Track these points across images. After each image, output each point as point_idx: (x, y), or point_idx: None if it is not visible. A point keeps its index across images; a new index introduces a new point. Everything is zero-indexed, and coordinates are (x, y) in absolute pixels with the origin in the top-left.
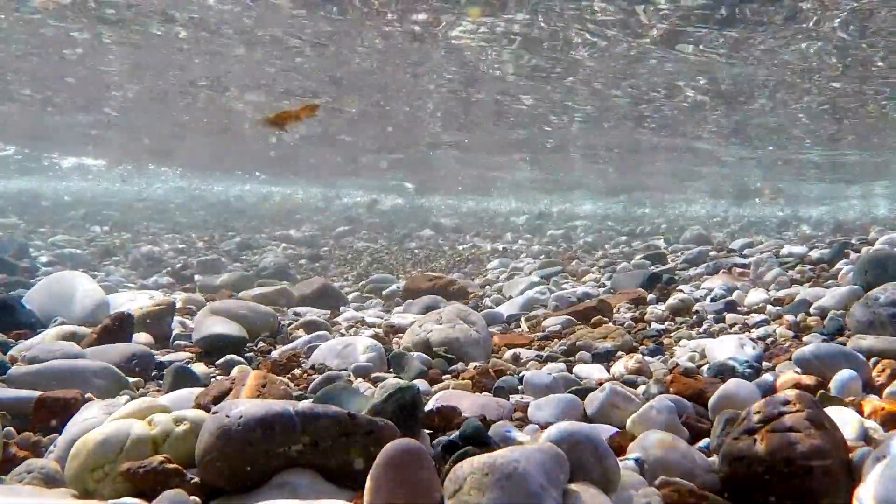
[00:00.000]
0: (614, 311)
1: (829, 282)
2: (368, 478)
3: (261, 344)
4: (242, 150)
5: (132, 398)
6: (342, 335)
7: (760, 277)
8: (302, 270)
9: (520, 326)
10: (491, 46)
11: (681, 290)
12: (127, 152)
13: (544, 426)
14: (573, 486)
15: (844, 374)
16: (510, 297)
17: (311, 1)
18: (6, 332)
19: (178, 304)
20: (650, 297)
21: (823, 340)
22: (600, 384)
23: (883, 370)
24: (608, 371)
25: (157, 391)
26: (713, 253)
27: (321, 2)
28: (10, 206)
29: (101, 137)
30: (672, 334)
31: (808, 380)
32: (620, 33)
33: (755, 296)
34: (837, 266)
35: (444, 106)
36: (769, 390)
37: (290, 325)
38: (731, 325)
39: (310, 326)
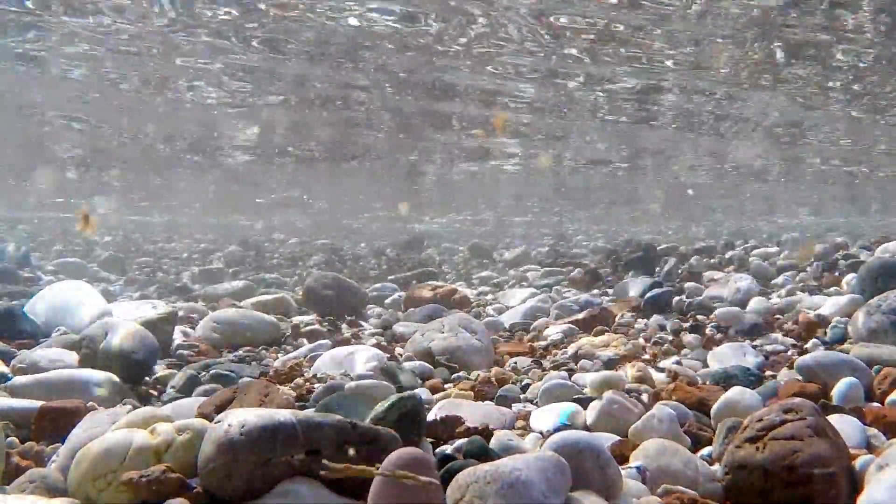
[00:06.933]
0: (616, 319)
1: (831, 290)
2: (372, 486)
3: (263, 353)
4: None
5: (134, 408)
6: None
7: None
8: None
9: (523, 335)
10: None
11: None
12: None
13: (546, 435)
14: (575, 495)
15: (846, 382)
16: (512, 306)
17: None
18: (8, 341)
19: (181, 314)
20: None
21: (825, 348)
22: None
23: (885, 378)
24: None
25: (160, 401)
26: (714, 261)
27: None
28: None
29: None
30: (673, 342)
31: (810, 388)
32: None
33: (757, 304)
34: (839, 274)
35: None
36: (771, 398)
37: (292, 334)
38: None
39: (312, 335)
